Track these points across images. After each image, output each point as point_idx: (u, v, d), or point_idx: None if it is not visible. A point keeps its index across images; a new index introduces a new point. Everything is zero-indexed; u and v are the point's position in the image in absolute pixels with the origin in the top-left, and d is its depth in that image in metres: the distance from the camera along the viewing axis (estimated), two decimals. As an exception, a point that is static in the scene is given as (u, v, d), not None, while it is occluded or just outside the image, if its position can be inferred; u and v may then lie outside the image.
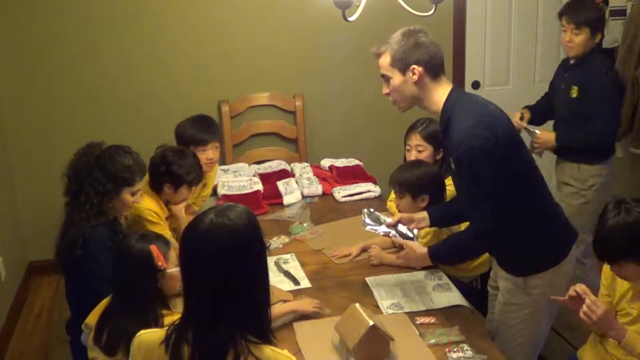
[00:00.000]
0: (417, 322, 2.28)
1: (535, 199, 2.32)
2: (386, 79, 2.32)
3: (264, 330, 1.56)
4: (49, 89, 4.08)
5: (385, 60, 2.29)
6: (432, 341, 2.15)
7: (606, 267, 2.22)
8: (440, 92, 2.28)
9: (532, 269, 2.33)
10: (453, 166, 2.26)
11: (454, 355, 2.08)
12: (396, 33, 2.30)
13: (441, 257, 2.47)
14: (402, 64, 2.25)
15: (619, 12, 3.92)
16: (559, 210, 2.42)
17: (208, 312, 1.52)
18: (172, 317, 2.03)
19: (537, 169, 2.33)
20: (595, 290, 2.22)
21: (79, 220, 2.43)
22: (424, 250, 2.44)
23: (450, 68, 4.48)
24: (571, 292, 2.05)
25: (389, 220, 2.58)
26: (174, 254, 2.18)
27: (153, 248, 2.10)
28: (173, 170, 2.85)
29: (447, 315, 2.34)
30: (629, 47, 3.74)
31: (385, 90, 2.35)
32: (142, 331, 1.63)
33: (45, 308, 3.95)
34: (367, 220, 2.59)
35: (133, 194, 2.55)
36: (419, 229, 2.62)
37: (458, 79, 4.51)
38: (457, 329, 2.22)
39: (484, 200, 2.19)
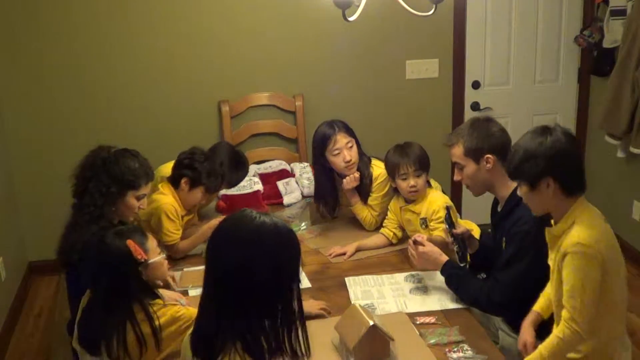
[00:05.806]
0: (417, 322, 2.29)
1: None
2: (459, 167, 2.42)
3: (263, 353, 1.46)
4: (50, 90, 4.07)
5: (458, 150, 2.40)
6: (432, 341, 2.16)
7: None
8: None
9: None
10: (505, 241, 2.34)
11: (454, 355, 2.08)
12: (465, 123, 2.42)
13: (450, 281, 2.45)
14: (476, 154, 2.37)
15: (619, 12, 3.92)
16: None
17: (212, 309, 1.52)
18: (166, 308, 2.04)
19: None
20: None
21: (82, 223, 2.40)
22: (442, 260, 2.44)
23: (450, 68, 4.48)
24: None
25: (460, 227, 2.56)
26: (153, 243, 2.16)
27: (130, 243, 2.06)
28: (195, 166, 2.85)
29: (447, 315, 2.34)
30: (629, 48, 3.74)
31: (458, 177, 2.46)
32: None
33: (45, 308, 3.95)
34: (446, 216, 2.57)
35: (138, 199, 2.51)
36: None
37: (458, 79, 4.51)
38: (457, 329, 2.22)
39: (522, 276, 2.26)
